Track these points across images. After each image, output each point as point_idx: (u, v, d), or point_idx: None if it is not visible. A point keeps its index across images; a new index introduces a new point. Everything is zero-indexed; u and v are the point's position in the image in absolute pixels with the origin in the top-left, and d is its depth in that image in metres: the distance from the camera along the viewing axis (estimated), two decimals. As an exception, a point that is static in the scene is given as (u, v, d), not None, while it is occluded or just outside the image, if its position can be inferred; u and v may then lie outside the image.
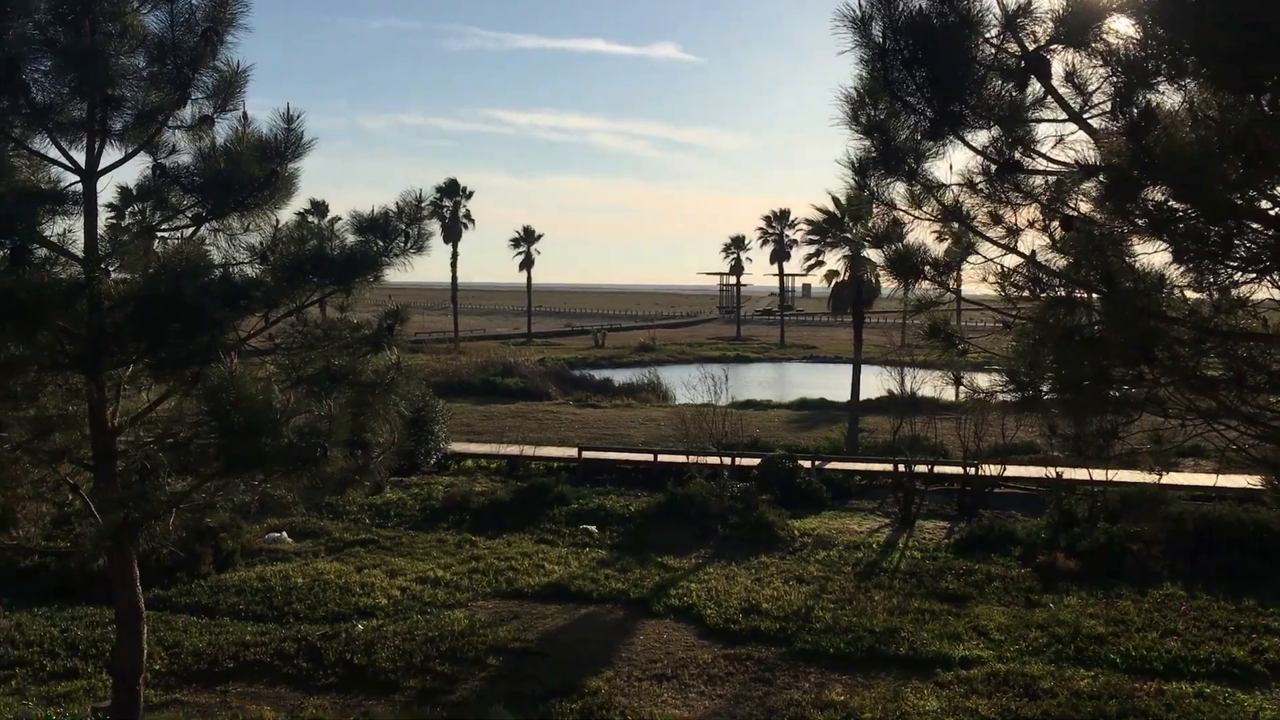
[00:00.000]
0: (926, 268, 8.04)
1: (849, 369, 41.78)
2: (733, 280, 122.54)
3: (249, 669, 16.83)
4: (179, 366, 9.44)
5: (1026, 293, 7.44)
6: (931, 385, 28.75)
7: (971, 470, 29.26)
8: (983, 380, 8.40)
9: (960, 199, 7.68)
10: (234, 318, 10.13)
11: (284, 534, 24.83)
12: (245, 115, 10.24)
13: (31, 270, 8.51)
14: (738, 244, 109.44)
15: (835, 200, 37.94)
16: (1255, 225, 6.76)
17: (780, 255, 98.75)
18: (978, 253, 8.03)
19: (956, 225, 7.89)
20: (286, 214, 10.89)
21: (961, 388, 8.00)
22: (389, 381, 10.68)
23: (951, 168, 7.58)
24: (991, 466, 29.24)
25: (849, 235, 37.60)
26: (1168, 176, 5.98)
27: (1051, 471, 27.74)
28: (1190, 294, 7.57)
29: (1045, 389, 7.15)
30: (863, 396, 40.84)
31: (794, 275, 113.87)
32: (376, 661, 16.87)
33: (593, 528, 25.98)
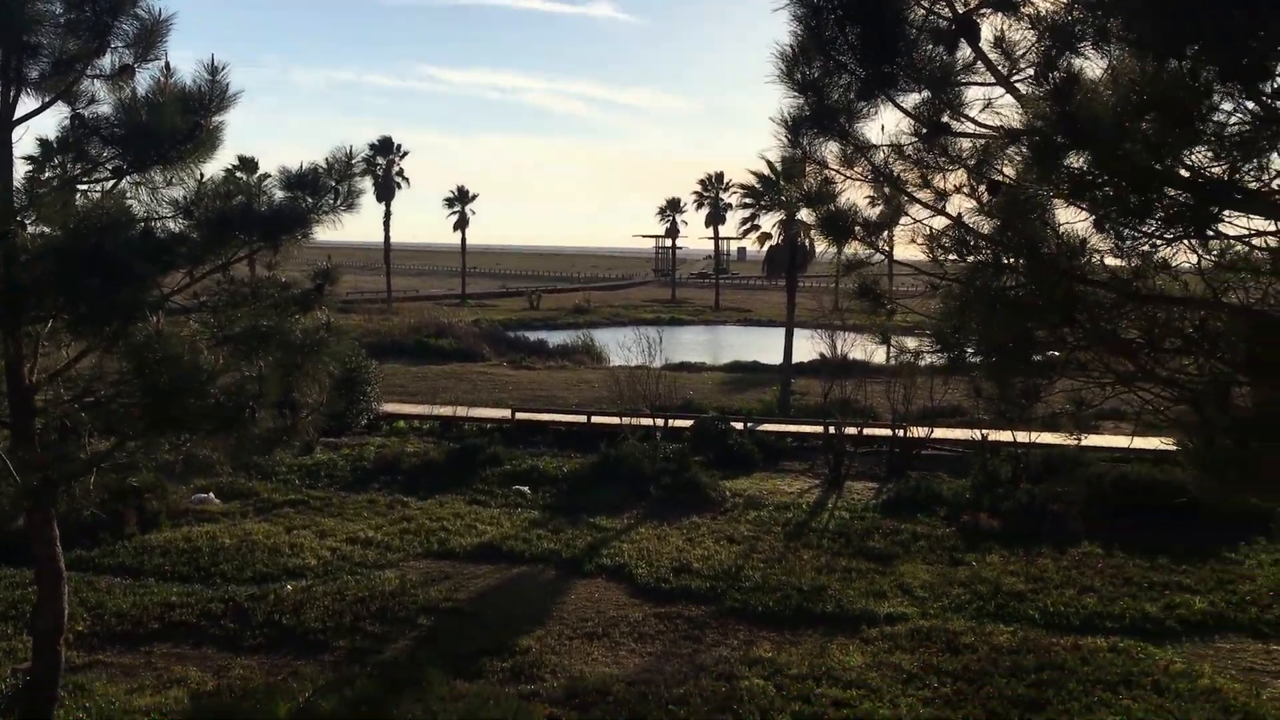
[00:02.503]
0: (857, 228, 8.11)
1: (782, 332, 42.07)
2: (668, 243, 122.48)
3: (174, 630, 16.66)
4: (100, 323, 9.22)
5: (954, 256, 7.55)
6: (863, 349, 29.10)
7: (900, 432, 29.74)
8: (910, 342, 8.49)
9: (890, 160, 7.74)
10: (157, 274, 9.91)
11: (211, 495, 24.49)
12: (168, 66, 10.00)
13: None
14: (673, 207, 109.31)
15: (769, 163, 38.03)
16: (1172, 191, 6.92)
17: (715, 218, 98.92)
18: (908, 214, 8.11)
19: (887, 187, 7.96)
20: (213, 169, 10.69)
21: (890, 349, 8.12)
22: (319, 341, 10.55)
23: (884, 129, 7.64)
24: (919, 429, 29.76)
25: (783, 198, 37.75)
26: (1090, 141, 6.08)
27: (977, 434, 28.32)
28: (1111, 260, 7.73)
29: (970, 351, 7.28)
30: (795, 359, 41.22)
31: (729, 239, 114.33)
32: (305, 622, 16.79)
33: (526, 488, 25.99)
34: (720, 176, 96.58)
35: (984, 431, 27.94)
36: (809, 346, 42.53)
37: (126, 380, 8.62)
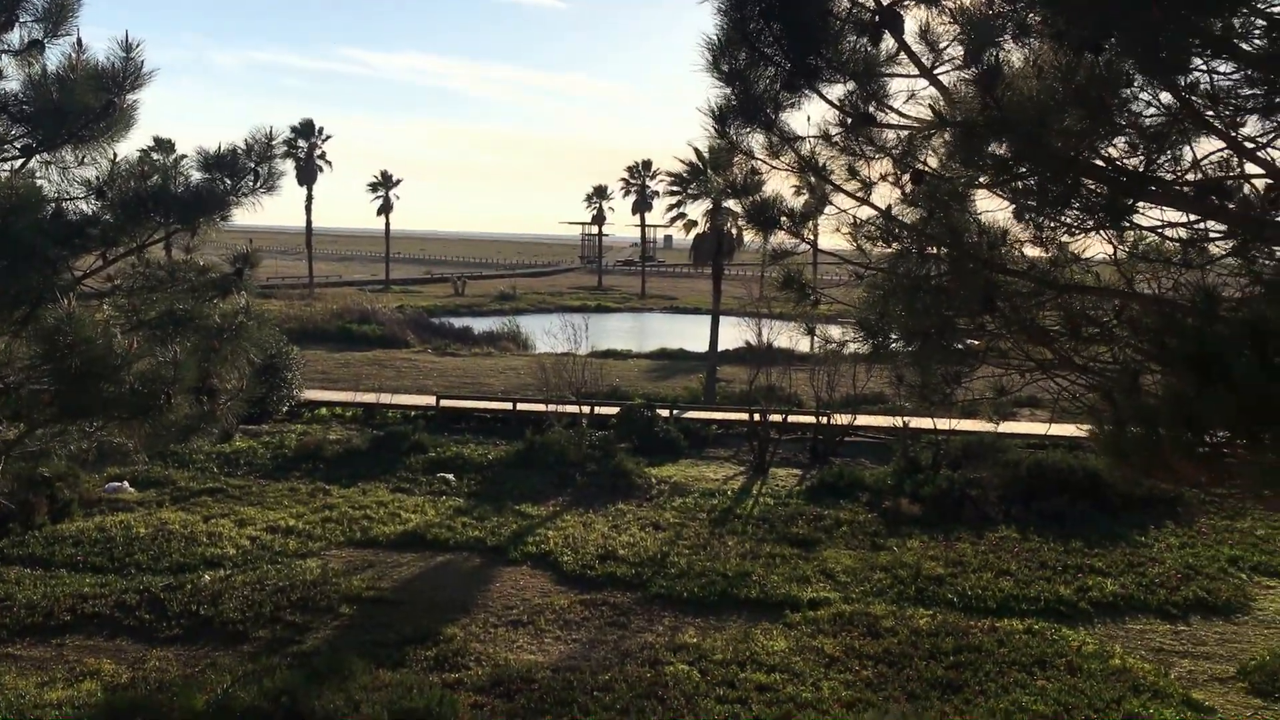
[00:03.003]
0: (783, 219, 8.15)
1: (708, 320, 42.27)
2: (594, 230, 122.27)
3: (87, 622, 16.26)
4: (8, 307, 8.93)
5: (880, 245, 7.62)
6: (788, 337, 29.32)
7: (824, 420, 30.10)
8: (835, 331, 8.57)
9: (817, 151, 7.79)
10: (68, 256, 9.65)
11: (125, 483, 23.92)
12: (80, 42, 9.68)
13: None
14: (600, 194, 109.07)
15: (697, 151, 38.22)
16: (1090, 183, 7.07)
17: (642, 206, 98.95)
18: (833, 204, 8.18)
19: (813, 177, 8.01)
20: (127, 149, 10.39)
21: (815, 338, 8.19)
22: (238, 326, 10.35)
23: (810, 119, 7.68)
24: (843, 416, 30.15)
25: (710, 186, 37.84)
26: (1013, 129, 6.18)
27: (899, 421, 28.76)
28: (1030, 250, 7.89)
29: (895, 338, 7.36)
30: (721, 347, 41.45)
31: (656, 226, 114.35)
32: (224, 612, 16.49)
33: (450, 476, 25.80)
34: (647, 164, 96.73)
35: (905, 419, 28.39)
36: (734, 334, 42.82)
37: (37, 365, 8.34)
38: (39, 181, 9.70)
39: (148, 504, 22.85)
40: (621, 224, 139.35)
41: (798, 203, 8.32)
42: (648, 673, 14.63)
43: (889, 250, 7.82)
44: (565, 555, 19.77)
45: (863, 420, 30.82)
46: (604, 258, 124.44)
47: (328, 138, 78.45)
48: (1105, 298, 6.59)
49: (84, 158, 9.85)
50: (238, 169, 10.45)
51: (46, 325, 7.57)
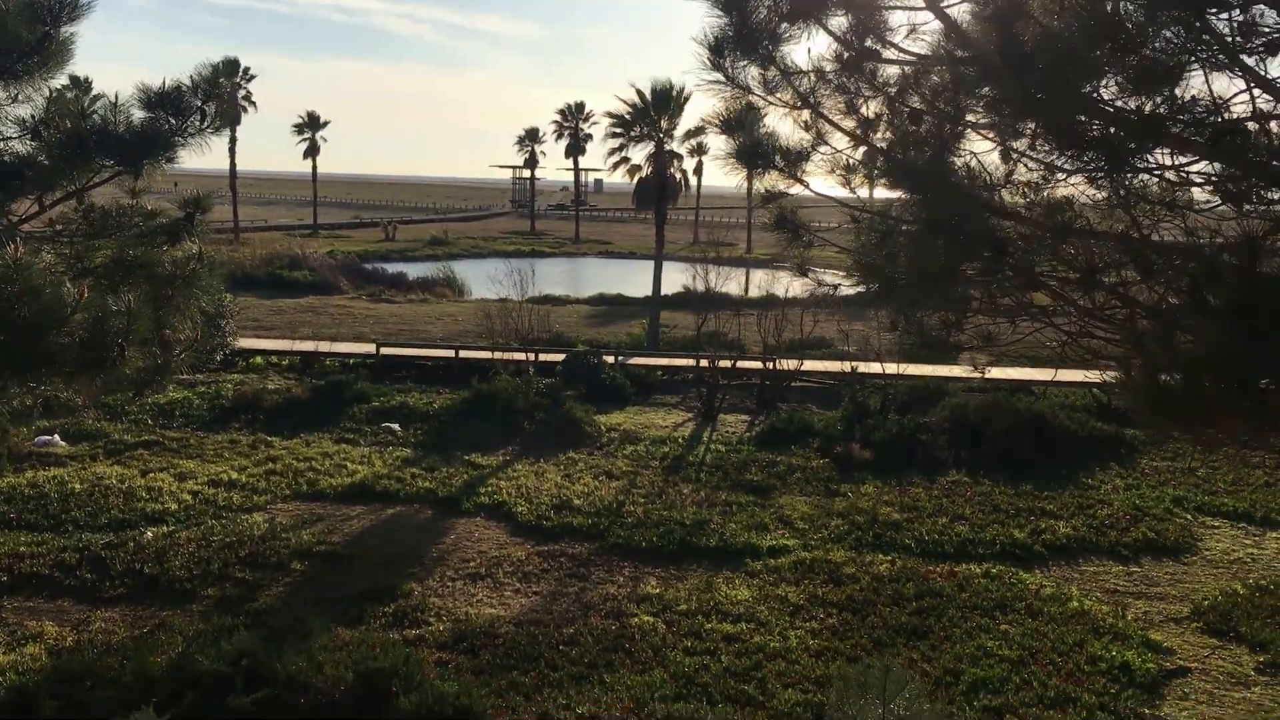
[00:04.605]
0: (777, 157, 7.80)
1: (644, 265, 42.00)
2: (526, 174, 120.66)
3: (25, 582, 15.61)
4: (-59, 253, 8.28)
5: (881, 186, 7.32)
6: (736, 283, 29.10)
7: (770, 365, 30.01)
8: (830, 276, 8.30)
9: (815, 87, 7.43)
10: (4, 200, 9.01)
11: (55, 436, 23.03)
12: (10, -30, 8.97)
13: None
14: (532, 137, 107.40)
15: (640, 94, 37.57)
16: (1096, 123, 6.82)
17: (576, 150, 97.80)
18: (829, 144, 7.85)
19: (809, 115, 7.66)
20: (56, 85, 9.73)
21: (804, 281, 7.90)
22: (190, 274, 9.80)
23: (810, 52, 7.31)
24: (789, 361, 30.08)
25: (659, 128, 37.26)
26: (1035, 67, 5.89)
27: (846, 366, 28.81)
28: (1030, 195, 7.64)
29: (901, 280, 7.08)
30: (662, 293, 41.17)
31: (589, 170, 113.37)
32: (170, 570, 15.94)
33: (396, 426, 25.27)
34: (580, 106, 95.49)
35: (853, 364, 28.45)
36: (675, 279, 42.53)
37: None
38: (-32, 120, 9.04)
39: (81, 458, 22.03)
40: (553, 168, 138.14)
41: (792, 141, 7.95)
42: (612, 625, 14.43)
43: (892, 194, 7.52)
44: (519, 505, 19.46)
45: (809, 365, 30.81)
46: (535, 202, 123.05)
47: (252, 78, 76.12)
48: (1123, 244, 6.39)
49: (18, 95, 9.18)
50: (183, 107, 9.82)
51: (-9, 273, 6.98)
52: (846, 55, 7.41)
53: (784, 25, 7.25)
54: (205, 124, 10.01)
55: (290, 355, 32.56)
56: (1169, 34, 6.16)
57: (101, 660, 12.62)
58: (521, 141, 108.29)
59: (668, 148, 38.42)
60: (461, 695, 11.60)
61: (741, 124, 7.73)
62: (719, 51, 7.32)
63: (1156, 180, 6.59)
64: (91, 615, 14.62)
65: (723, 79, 7.47)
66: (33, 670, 12.56)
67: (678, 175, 38.91)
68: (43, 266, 8.57)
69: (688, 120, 37.52)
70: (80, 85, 52.49)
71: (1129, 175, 6.54)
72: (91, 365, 8.54)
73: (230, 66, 72.95)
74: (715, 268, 33.01)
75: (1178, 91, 6.27)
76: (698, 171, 79.76)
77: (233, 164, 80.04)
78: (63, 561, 16.17)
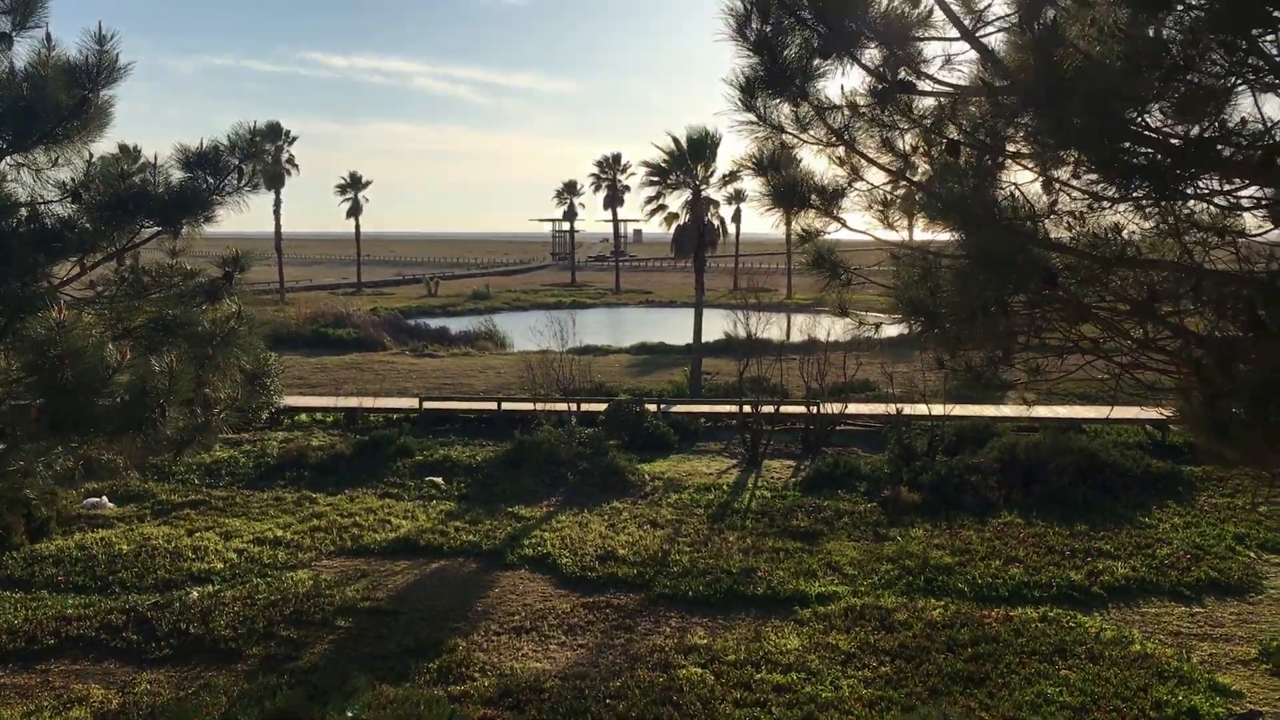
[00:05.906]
0: (813, 195, 7.69)
1: (684, 312, 41.94)
2: (565, 226, 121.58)
3: (72, 645, 15.61)
4: (-14, 318, 8.35)
5: (923, 220, 7.18)
6: (778, 327, 28.89)
7: (815, 409, 29.70)
8: (870, 316, 8.13)
9: (850, 123, 7.33)
10: (45, 263, 9.07)
11: (104, 499, 23.20)
12: (49, 36, 9.10)
13: None
14: (570, 189, 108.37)
15: (676, 141, 37.68)
16: (1143, 150, 6.65)
17: (614, 200, 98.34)
18: (864, 180, 7.73)
19: (843, 151, 7.55)
20: (101, 150, 9.83)
21: (845, 322, 7.77)
22: (229, 332, 9.82)
23: (844, 88, 7.22)
24: (833, 405, 29.74)
25: (695, 175, 37.29)
26: (1077, 94, 5.75)
27: (891, 408, 28.45)
28: (1076, 226, 7.46)
29: (946, 314, 6.90)
30: (704, 340, 41.03)
31: (627, 220, 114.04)
32: (215, 630, 15.87)
33: (439, 479, 25.21)
34: (618, 158, 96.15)
35: (898, 406, 28.08)
36: (715, 326, 42.37)
37: (22, 378, 7.76)
38: (10, 185, 9.15)
39: (128, 519, 22.16)
40: (591, 220, 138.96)
41: (827, 179, 7.85)
42: (660, 677, 14.15)
43: (931, 229, 7.37)
44: (564, 557, 19.27)
45: (853, 408, 30.47)
46: (575, 254, 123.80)
47: (294, 140, 77.38)
48: (1173, 272, 6.18)
49: (58, 158, 9.30)
50: (221, 166, 9.92)
51: (35, 335, 7.00)
52: (880, 88, 7.32)
53: (816, 61, 7.19)
54: (243, 182, 10.10)
55: (334, 411, 32.70)
56: (1215, 57, 6.02)
57: (147, 722, 12.55)
58: (560, 194, 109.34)
59: (704, 194, 38.42)
60: (508, 753, 11.38)
61: (775, 163, 7.65)
62: (750, 91, 7.26)
63: (1205, 206, 6.40)
64: (137, 677, 14.57)
65: (755, 119, 7.40)
66: (79, 734, 12.51)
67: (715, 222, 38.86)
68: (83, 329, 8.62)
69: (722, 166, 37.60)
70: (129, 154, 53.54)
71: (1178, 202, 6.35)
72: (133, 426, 8.55)
73: (274, 131, 74.31)
74: (756, 313, 32.81)
75: (1225, 115, 6.12)
76: (736, 219, 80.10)
77: (278, 225, 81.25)
78: (109, 623, 16.18)
